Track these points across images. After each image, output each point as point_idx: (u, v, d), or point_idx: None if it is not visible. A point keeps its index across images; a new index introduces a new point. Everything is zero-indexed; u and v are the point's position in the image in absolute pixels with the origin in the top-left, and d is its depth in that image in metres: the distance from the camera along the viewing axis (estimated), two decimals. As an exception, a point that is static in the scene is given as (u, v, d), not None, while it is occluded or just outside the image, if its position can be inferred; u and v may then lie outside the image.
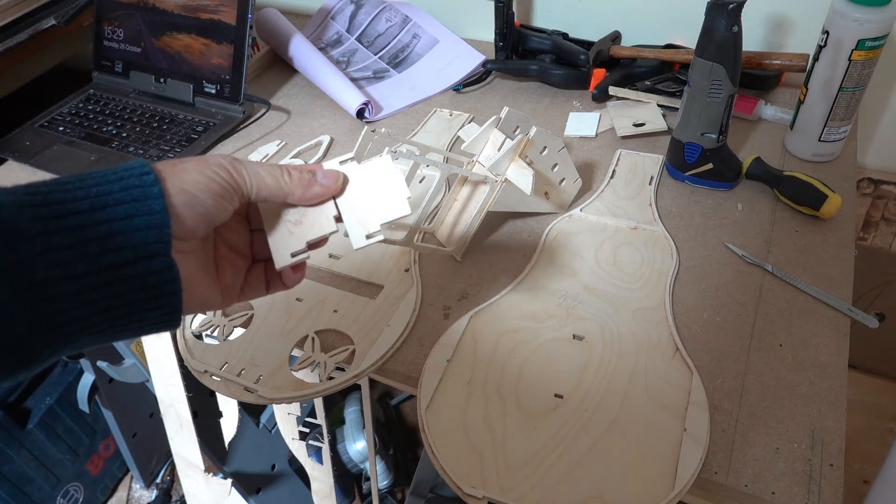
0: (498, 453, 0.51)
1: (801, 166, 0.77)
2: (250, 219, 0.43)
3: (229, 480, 0.96)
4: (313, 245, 0.42)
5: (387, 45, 1.07)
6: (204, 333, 0.64)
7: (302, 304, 0.64)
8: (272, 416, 1.06)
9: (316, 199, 0.41)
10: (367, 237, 0.42)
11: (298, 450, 0.93)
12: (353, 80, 0.99)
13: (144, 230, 0.32)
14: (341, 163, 0.43)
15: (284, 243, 0.41)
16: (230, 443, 0.98)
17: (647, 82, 0.92)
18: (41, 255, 0.29)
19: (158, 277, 0.33)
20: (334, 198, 0.42)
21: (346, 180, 0.42)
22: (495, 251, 0.69)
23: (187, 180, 0.34)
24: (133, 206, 0.32)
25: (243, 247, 0.42)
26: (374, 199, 0.42)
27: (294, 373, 0.58)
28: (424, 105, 0.96)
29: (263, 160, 0.86)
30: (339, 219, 0.42)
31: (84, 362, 1.15)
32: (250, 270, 0.43)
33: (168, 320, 0.34)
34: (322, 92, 0.98)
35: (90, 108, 0.98)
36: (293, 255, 0.41)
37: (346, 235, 0.43)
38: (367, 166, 0.43)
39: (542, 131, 0.65)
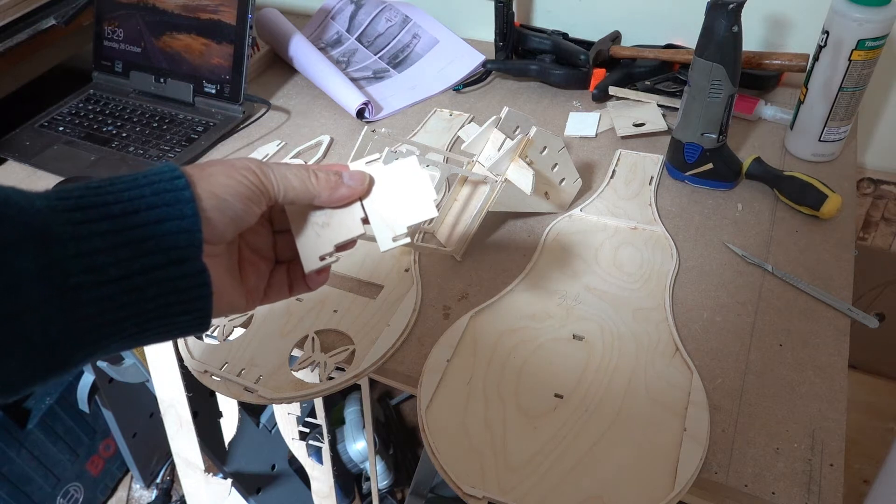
0: (498, 453, 0.51)
1: (801, 166, 0.77)
2: (273, 221, 0.43)
3: (229, 480, 0.96)
4: (341, 248, 0.41)
5: (387, 45, 1.07)
6: (204, 333, 0.64)
7: (302, 304, 0.64)
8: (272, 416, 1.06)
9: (343, 200, 0.40)
10: (394, 239, 0.42)
11: (298, 450, 0.93)
12: (353, 80, 0.99)
13: (176, 234, 0.32)
14: (368, 163, 0.42)
15: (312, 246, 0.41)
16: (230, 443, 0.98)
17: (647, 82, 0.92)
18: (74, 259, 0.29)
19: (190, 282, 0.33)
20: (361, 199, 0.41)
21: (372, 181, 0.42)
22: (495, 251, 0.69)
23: (216, 184, 0.34)
24: (165, 211, 0.32)
25: (267, 249, 0.42)
26: (401, 201, 0.42)
27: (294, 373, 0.58)
28: (424, 105, 0.96)
29: (263, 160, 0.86)
30: (365, 220, 0.42)
31: (84, 362, 1.14)
32: (273, 273, 0.43)
33: (198, 324, 0.34)
34: (322, 92, 0.98)
35: (90, 108, 0.98)
36: (321, 259, 0.41)
37: (373, 239, 0.42)
38: (394, 167, 0.42)
39: (542, 131, 0.65)
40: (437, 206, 0.42)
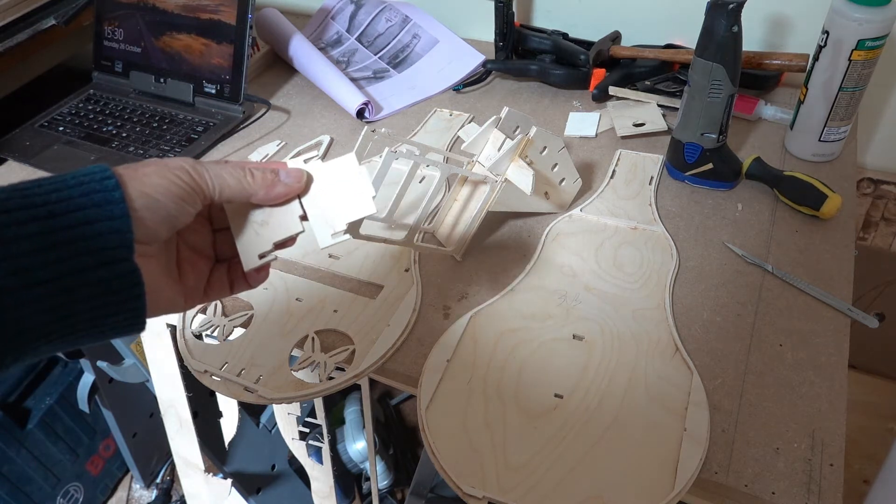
0: (498, 453, 0.51)
1: (801, 166, 0.77)
2: (212, 219, 0.43)
3: (229, 480, 0.96)
4: (280, 245, 0.42)
5: (387, 45, 1.07)
6: (204, 333, 0.64)
7: (302, 304, 0.64)
8: (272, 416, 1.06)
9: (280, 198, 0.41)
10: (333, 236, 0.42)
11: (298, 450, 0.93)
12: (353, 80, 0.99)
13: (106, 235, 0.32)
14: (306, 161, 0.43)
15: (252, 244, 0.41)
16: (230, 443, 0.98)
17: (647, 82, 0.92)
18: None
19: (121, 282, 0.32)
20: (299, 197, 0.42)
21: (310, 179, 0.42)
22: (495, 251, 0.69)
23: (148, 184, 0.34)
24: (94, 212, 0.31)
25: (206, 247, 0.42)
26: (340, 198, 0.42)
27: (294, 373, 0.58)
28: (424, 105, 0.96)
29: (263, 160, 0.86)
30: (304, 218, 0.42)
31: (84, 362, 1.15)
32: (213, 271, 0.42)
33: (131, 325, 0.34)
34: (322, 92, 0.98)
35: (90, 108, 0.98)
36: (261, 257, 0.41)
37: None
38: (332, 165, 0.42)
39: (542, 131, 0.65)
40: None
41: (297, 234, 0.42)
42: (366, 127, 0.60)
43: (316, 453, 0.95)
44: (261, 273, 0.42)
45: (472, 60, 1.01)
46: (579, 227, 0.71)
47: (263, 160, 0.86)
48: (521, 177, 0.63)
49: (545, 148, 0.67)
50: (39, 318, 0.30)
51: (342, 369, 0.58)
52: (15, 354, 0.31)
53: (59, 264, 0.30)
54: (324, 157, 0.86)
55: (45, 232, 0.30)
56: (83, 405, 1.23)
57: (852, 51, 0.68)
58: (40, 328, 0.31)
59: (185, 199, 0.35)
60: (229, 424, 0.97)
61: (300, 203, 0.42)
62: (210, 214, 0.42)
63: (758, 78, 0.89)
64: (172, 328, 0.74)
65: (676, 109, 0.82)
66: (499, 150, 0.65)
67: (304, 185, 0.41)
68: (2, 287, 0.29)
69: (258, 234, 0.41)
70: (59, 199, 0.31)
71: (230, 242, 0.42)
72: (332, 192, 0.42)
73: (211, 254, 0.43)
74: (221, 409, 0.95)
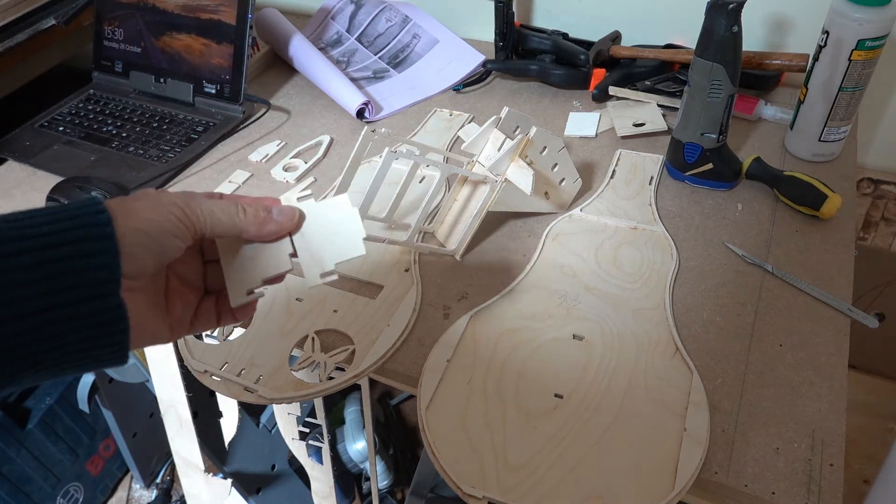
0: (498, 453, 0.51)
1: (801, 166, 0.77)
2: (204, 251, 0.43)
3: (229, 480, 0.96)
4: (269, 282, 0.42)
5: (387, 45, 1.07)
6: (204, 333, 0.64)
7: (302, 304, 0.64)
8: (272, 416, 1.06)
9: (271, 235, 0.41)
10: (322, 276, 0.42)
11: (298, 450, 0.93)
12: (353, 80, 0.99)
13: (96, 270, 0.32)
14: (299, 199, 0.43)
15: (240, 280, 0.41)
16: (230, 443, 0.98)
17: (647, 82, 0.92)
18: None
19: (107, 317, 0.33)
20: (290, 234, 0.42)
21: (302, 217, 0.42)
22: (495, 251, 0.69)
23: (140, 219, 0.34)
24: (85, 246, 0.32)
25: (196, 279, 0.42)
26: (331, 238, 0.42)
27: (294, 373, 0.58)
28: (424, 105, 0.96)
29: (263, 160, 0.86)
30: (294, 255, 0.42)
31: (84, 362, 1.14)
32: (202, 303, 0.42)
33: (115, 358, 0.35)
34: (322, 92, 0.98)
35: (90, 108, 0.98)
36: (249, 293, 0.41)
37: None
38: (325, 204, 0.42)
39: (542, 131, 0.65)
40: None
41: (286, 272, 0.42)
42: (366, 127, 0.61)
43: (316, 453, 0.95)
44: (248, 308, 0.42)
45: (472, 60, 1.01)
46: (579, 227, 0.71)
47: (263, 160, 0.86)
48: (521, 177, 0.63)
49: (545, 148, 0.67)
50: (27, 349, 0.31)
51: (342, 369, 0.58)
52: (2, 383, 0.31)
53: (50, 296, 0.31)
54: (323, 157, 0.86)
55: (38, 264, 0.31)
56: (83, 405, 1.23)
57: (852, 51, 0.68)
58: (30, 357, 0.31)
59: (176, 235, 0.36)
60: (229, 424, 0.97)
61: (291, 241, 0.42)
62: (202, 246, 0.42)
63: (758, 78, 0.89)
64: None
65: (676, 109, 0.82)
66: (499, 150, 0.65)
67: (295, 223, 0.41)
68: None
69: (247, 269, 0.41)
70: (51, 231, 0.32)
71: (220, 275, 0.41)
72: (324, 232, 0.42)
73: (200, 285, 0.43)
74: (221, 409, 0.95)
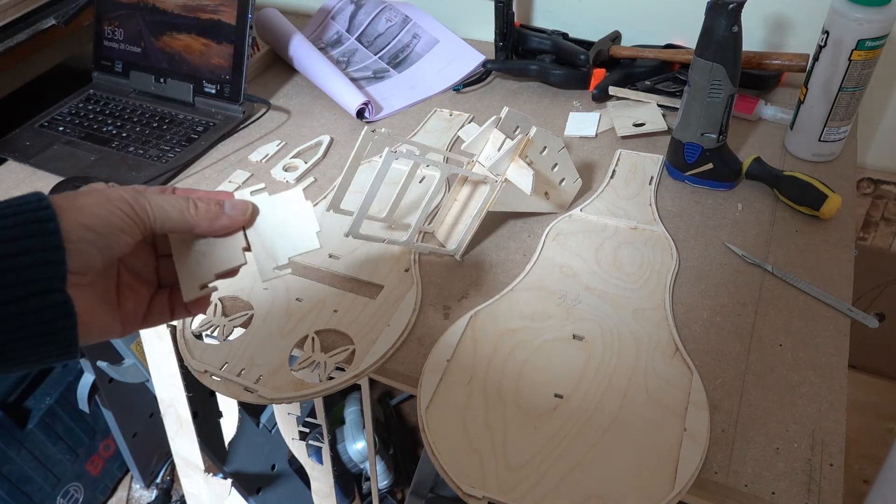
0: (498, 453, 0.51)
1: (801, 166, 0.77)
2: (156, 245, 0.42)
3: (229, 480, 0.96)
4: (221, 276, 0.41)
5: (387, 45, 1.07)
6: (204, 333, 0.64)
7: (302, 304, 0.64)
8: (272, 416, 1.06)
9: (223, 230, 0.40)
10: (275, 269, 0.42)
11: (298, 450, 0.93)
12: (353, 80, 0.99)
13: (39, 266, 0.32)
14: (252, 193, 0.43)
15: (193, 275, 0.41)
16: (230, 443, 0.98)
17: (647, 82, 0.92)
18: None
19: (53, 313, 0.32)
20: (244, 229, 0.41)
21: (255, 211, 0.42)
22: (495, 251, 0.69)
23: (86, 214, 0.34)
24: (28, 242, 0.31)
25: (148, 273, 0.42)
26: (284, 232, 0.42)
27: (294, 373, 0.58)
28: (424, 105, 0.96)
29: (263, 160, 0.86)
30: (248, 249, 0.42)
31: (84, 362, 1.14)
32: (154, 297, 0.42)
33: (63, 353, 0.34)
34: (322, 92, 0.98)
35: (90, 108, 0.98)
36: (201, 288, 0.41)
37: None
38: (279, 198, 0.42)
39: (542, 131, 0.65)
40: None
41: (239, 266, 0.41)
42: (366, 127, 0.61)
43: (316, 453, 0.94)
44: (201, 302, 0.42)
45: (472, 60, 1.01)
46: (579, 227, 0.71)
47: (263, 160, 0.86)
48: (521, 177, 0.63)
49: (545, 148, 0.67)
50: None
51: (342, 369, 0.58)
52: None
53: None
54: (323, 156, 0.86)
55: None
56: (83, 405, 1.23)
57: (852, 51, 0.68)
58: None
59: (123, 231, 0.35)
60: (229, 424, 0.97)
61: (245, 235, 0.41)
62: (154, 241, 0.42)
63: (758, 78, 0.89)
64: (172, 328, 0.74)
65: (676, 109, 0.82)
66: (499, 150, 0.65)
67: (248, 218, 0.41)
68: None
69: (200, 264, 0.41)
70: None
71: (173, 269, 0.41)
72: (278, 226, 0.42)
73: (153, 279, 0.42)
74: (221, 409, 0.95)
